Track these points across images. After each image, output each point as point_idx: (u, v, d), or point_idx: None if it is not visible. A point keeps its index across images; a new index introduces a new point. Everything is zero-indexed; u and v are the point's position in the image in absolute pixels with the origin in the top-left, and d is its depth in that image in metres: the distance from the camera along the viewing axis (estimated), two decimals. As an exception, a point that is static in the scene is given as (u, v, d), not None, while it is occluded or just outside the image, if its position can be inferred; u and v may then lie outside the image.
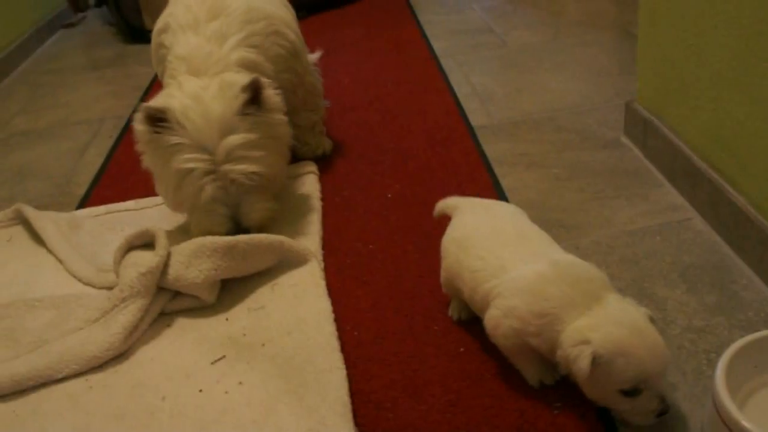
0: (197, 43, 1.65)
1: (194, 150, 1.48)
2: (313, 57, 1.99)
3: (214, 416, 1.18)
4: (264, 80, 1.56)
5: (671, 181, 1.69)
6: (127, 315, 1.35)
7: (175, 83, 1.59)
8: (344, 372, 1.21)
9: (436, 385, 1.20)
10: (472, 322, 1.30)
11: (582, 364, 1.02)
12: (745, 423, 0.97)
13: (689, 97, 1.58)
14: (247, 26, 1.69)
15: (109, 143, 2.31)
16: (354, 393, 1.20)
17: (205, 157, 1.48)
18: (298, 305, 1.38)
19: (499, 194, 1.68)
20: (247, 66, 1.64)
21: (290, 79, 1.82)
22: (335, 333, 1.30)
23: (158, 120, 1.49)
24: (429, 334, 1.31)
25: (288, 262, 1.49)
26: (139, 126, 1.52)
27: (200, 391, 1.23)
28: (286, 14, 1.87)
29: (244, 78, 1.54)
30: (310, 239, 1.59)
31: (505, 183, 1.74)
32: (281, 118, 1.61)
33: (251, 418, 1.16)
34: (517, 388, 1.18)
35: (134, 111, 2.48)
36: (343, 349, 1.28)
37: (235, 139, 1.49)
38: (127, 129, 2.33)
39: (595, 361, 1.02)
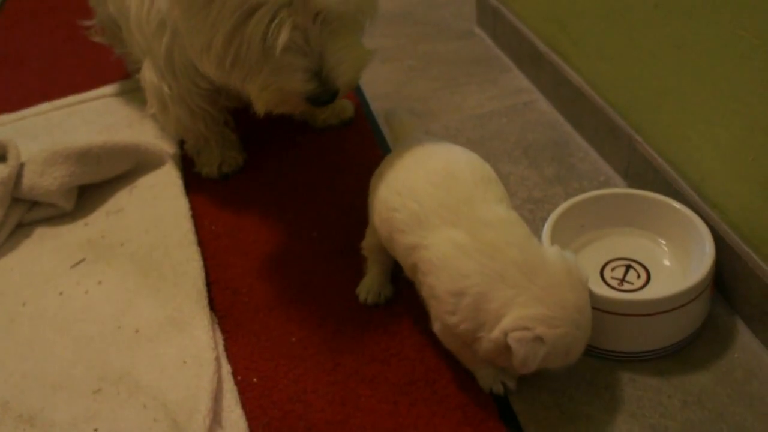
0: None
1: None
2: None
3: (75, 315, 1.20)
4: None
5: (519, 65, 1.76)
6: (-18, 228, 1.35)
7: None
8: (200, 263, 1.25)
9: (290, 266, 1.26)
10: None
11: (532, 366, 0.91)
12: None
13: (530, -18, 1.64)
14: None
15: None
16: (212, 282, 1.24)
17: None
18: (157, 205, 1.39)
19: (355, 89, 1.72)
20: None
21: None
22: (192, 228, 1.33)
23: None
24: (283, 222, 1.36)
25: (145, 164, 1.49)
26: None
27: (60, 293, 1.25)
28: None
29: None
30: (168, 142, 1.59)
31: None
32: None
33: (111, 314, 1.19)
34: (367, 264, 1.24)
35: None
36: (201, 243, 1.31)
37: None
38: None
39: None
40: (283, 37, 1.04)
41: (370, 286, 1.18)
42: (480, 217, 0.98)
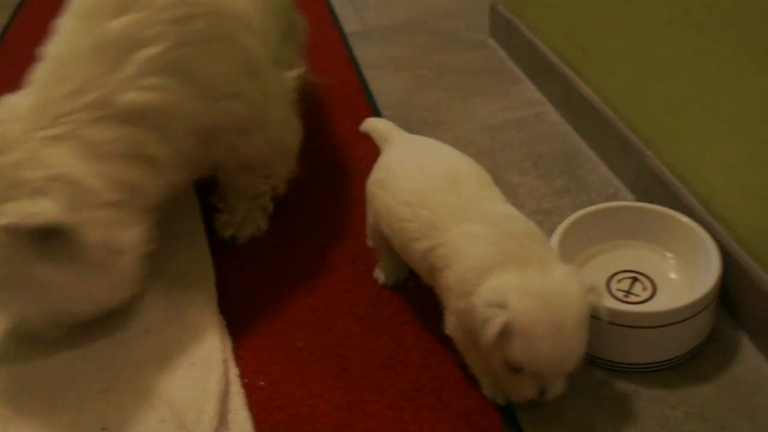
0: (83, 48, 1.07)
1: None
2: (291, 75, 1.36)
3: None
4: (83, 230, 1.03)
5: (530, 77, 1.77)
6: None
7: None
8: (211, 266, 1.26)
9: (298, 273, 1.27)
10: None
11: (488, 332, 0.90)
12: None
13: (543, -5, 1.65)
14: (172, 29, 1.09)
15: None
16: (221, 286, 1.25)
17: None
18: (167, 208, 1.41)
19: (367, 97, 1.74)
20: (138, 116, 1.08)
21: (236, 111, 1.21)
22: (203, 231, 1.34)
23: None
24: (291, 229, 1.38)
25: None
26: None
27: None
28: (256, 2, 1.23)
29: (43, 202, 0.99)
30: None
31: (374, 86, 1.79)
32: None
33: (120, 314, 1.19)
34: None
35: (7, 26, 2.42)
36: (211, 247, 1.32)
37: None
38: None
39: (502, 328, 0.89)
40: None
41: (387, 269, 1.22)
42: (494, 211, 1.01)
